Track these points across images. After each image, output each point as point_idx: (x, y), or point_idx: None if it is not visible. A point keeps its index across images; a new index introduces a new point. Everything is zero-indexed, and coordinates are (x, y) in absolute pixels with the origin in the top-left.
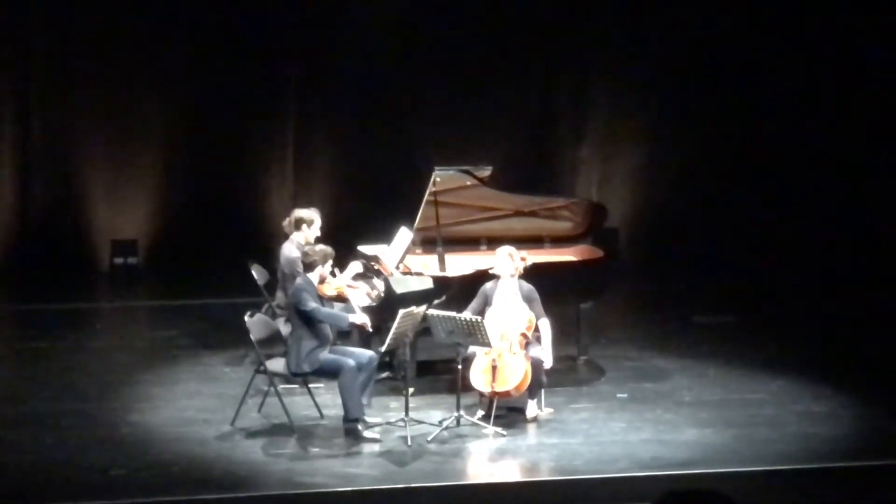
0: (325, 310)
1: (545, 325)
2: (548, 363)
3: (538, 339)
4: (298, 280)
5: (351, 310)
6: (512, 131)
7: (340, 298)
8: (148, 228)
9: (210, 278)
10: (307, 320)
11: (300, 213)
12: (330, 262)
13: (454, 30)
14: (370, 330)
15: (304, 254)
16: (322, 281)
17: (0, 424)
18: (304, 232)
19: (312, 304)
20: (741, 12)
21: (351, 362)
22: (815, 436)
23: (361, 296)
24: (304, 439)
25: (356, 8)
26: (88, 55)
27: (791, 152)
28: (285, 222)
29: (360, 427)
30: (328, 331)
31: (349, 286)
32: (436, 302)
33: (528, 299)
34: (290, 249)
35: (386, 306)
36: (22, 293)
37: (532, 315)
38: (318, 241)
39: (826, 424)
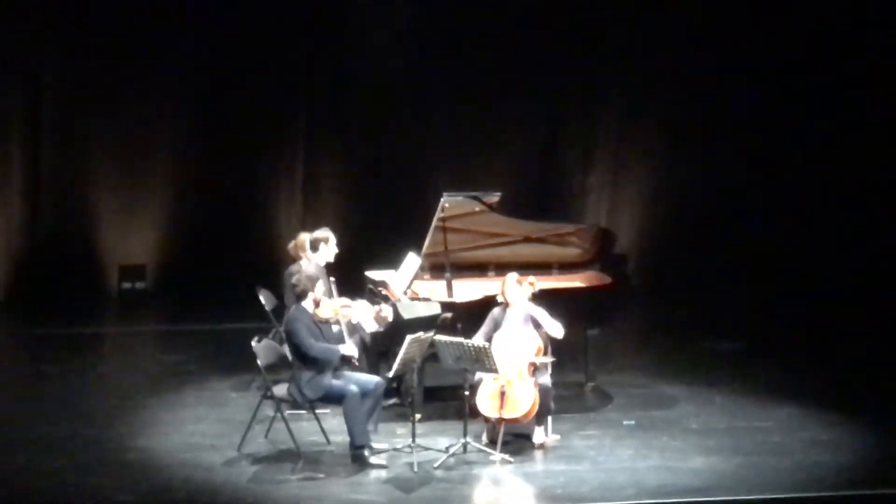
0: (318, 346)
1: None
2: (558, 332)
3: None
4: (292, 310)
5: (341, 338)
6: (520, 156)
7: (333, 321)
8: (156, 253)
9: (218, 303)
10: (299, 353)
11: (315, 234)
12: (320, 281)
13: (461, 54)
14: (356, 363)
15: (293, 284)
16: (317, 305)
17: (9, 448)
18: (321, 252)
19: (306, 340)
20: (752, 30)
21: (354, 388)
22: (824, 464)
23: (365, 316)
24: (310, 465)
25: (366, 30)
26: (98, 77)
27: (807, 176)
28: (290, 245)
29: (366, 453)
30: (333, 347)
31: (345, 306)
32: (443, 316)
33: (534, 322)
34: (315, 270)
35: (394, 332)
36: (30, 317)
37: (541, 342)
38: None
39: (834, 452)
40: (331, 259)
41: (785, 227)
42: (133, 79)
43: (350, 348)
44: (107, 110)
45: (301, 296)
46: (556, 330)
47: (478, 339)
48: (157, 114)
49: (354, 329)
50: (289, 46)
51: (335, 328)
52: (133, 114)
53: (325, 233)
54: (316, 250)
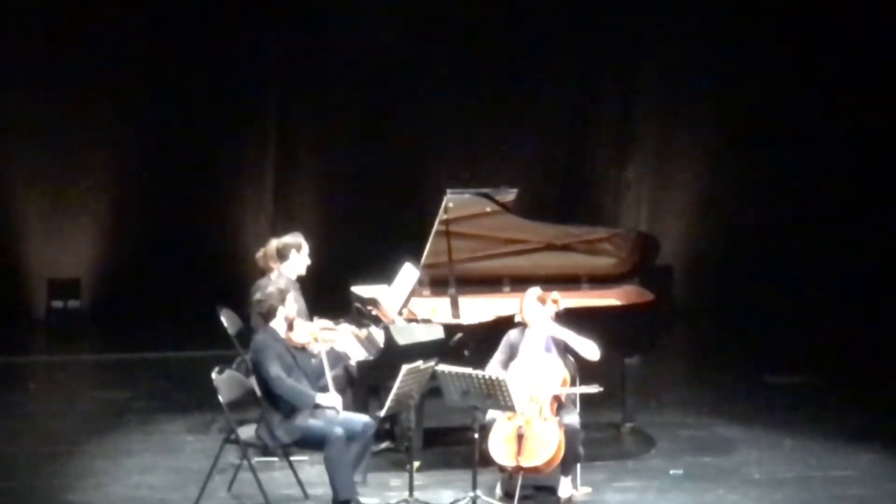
0: (288, 384)
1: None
2: (593, 353)
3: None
4: (258, 334)
5: (321, 373)
6: (541, 146)
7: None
8: (93, 266)
9: (168, 326)
10: (267, 388)
11: (284, 239)
12: (291, 295)
13: (469, 21)
14: (338, 413)
15: (258, 301)
16: (290, 326)
17: None
18: (292, 261)
19: (274, 371)
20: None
21: (339, 431)
22: None
23: (351, 342)
24: None
25: None
26: (27, 57)
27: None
28: (259, 254)
29: None
30: (309, 390)
31: (327, 329)
32: (454, 339)
33: (559, 346)
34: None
35: (386, 361)
36: None
37: (567, 372)
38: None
39: None
40: (302, 271)
41: (866, 240)
42: (66, 60)
43: (332, 399)
44: (35, 94)
45: (268, 315)
46: (591, 351)
47: (490, 370)
48: (96, 99)
49: (339, 358)
50: (257, 18)
51: (314, 359)
52: (64, 97)
53: (295, 238)
54: (285, 259)
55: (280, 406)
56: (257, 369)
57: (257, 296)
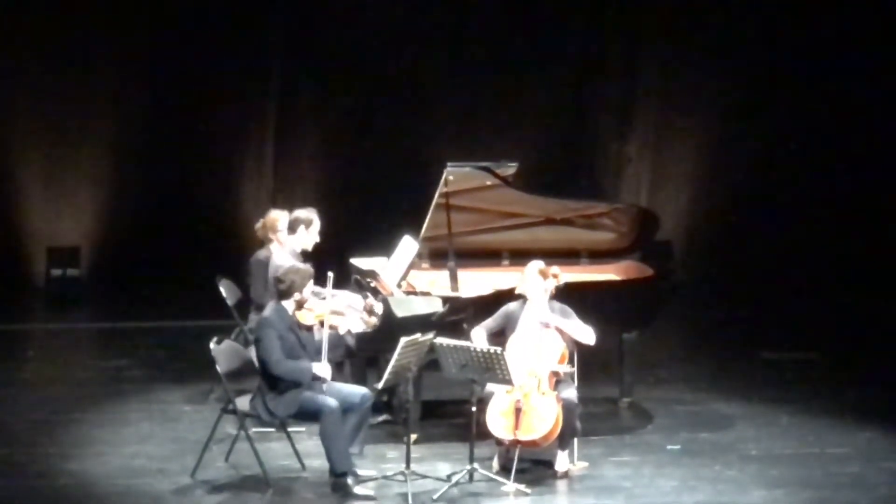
0: (286, 364)
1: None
2: (589, 338)
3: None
4: (267, 311)
5: (319, 350)
6: (541, 118)
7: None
8: (93, 234)
9: (168, 296)
10: (264, 365)
11: (297, 212)
12: (311, 282)
13: None
14: (325, 382)
15: (277, 279)
16: (300, 306)
17: None
18: (299, 236)
19: (273, 355)
20: None
21: (333, 403)
22: None
23: (353, 320)
24: (280, 496)
25: None
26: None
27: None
28: (258, 225)
29: (349, 482)
30: (304, 364)
31: (336, 313)
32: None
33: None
34: (283, 257)
35: (384, 333)
36: None
37: (565, 347)
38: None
39: None
40: (308, 247)
41: (870, 214)
42: (66, 29)
43: (323, 368)
44: (36, 63)
45: (286, 293)
46: (587, 335)
47: (475, 333)
48: (97, 67)
49: (339, 340)
50: None
51: (316, 335)
52: (66, 60)
53: (308, 214)
54: (294, 232)
55: (276, 380)
56: (258, 346)
57: (280, 273)
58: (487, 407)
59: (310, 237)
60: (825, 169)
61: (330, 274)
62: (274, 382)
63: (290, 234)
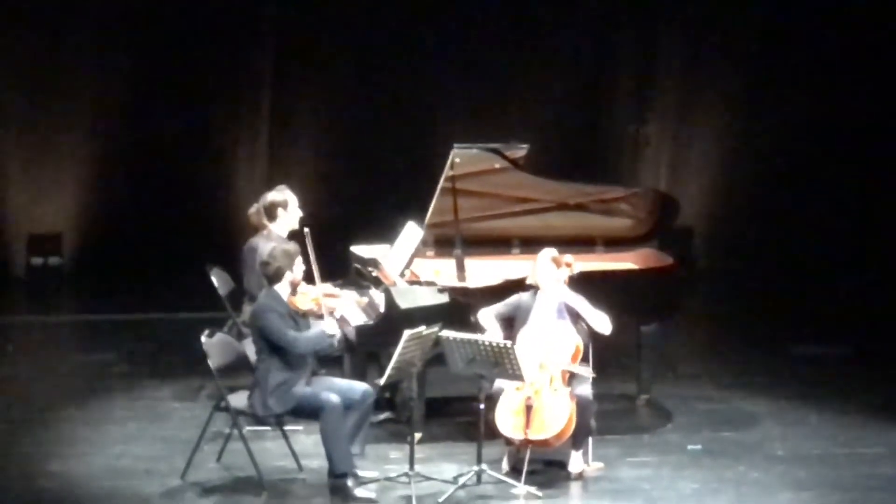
0: (307, 335)
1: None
2: (605, 326)
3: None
4: (262, 297)
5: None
6: (554, 98)
7: (315, 313)
8: (76, 220)
9: (156, 286)
10: (276, 348)
11: (268, 197)
12: (299, 259)
13: None
14: (334, 337)
15: (264, 262)
16: (295, 289)
17: None
18: (281, 219)
19: (286, 334)
20: None
21: (334, 399)
22: None
23: (349, 307)
24: (276, 499)
25: None
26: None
27: None
28: (252, 210)
29: (349, 483)
30: (307, 357)
31: (330, 295)
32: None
33: (572, 312)
34: (269, 246)
35: (387, 325)
36: None
37: (580, 340)
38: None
39: None
40: (295, 225)
41: None
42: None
43: (330, 325)
44: (17, 40)
45: (275, 277)
46: (602, 324)
47: (482, 315)
48: (79, 45)
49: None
50: None
51: (312, 321)
52: (47, 46)
53: (280, 194)
54: (274, 218)
55: (273, 373)
56: (264, 333)
57: (264, 257)
58: (496, 404)
59: (291, 217)
60: (855, 151)
61: (307, 230)
62: (271, 376)
63: (270, 222)
